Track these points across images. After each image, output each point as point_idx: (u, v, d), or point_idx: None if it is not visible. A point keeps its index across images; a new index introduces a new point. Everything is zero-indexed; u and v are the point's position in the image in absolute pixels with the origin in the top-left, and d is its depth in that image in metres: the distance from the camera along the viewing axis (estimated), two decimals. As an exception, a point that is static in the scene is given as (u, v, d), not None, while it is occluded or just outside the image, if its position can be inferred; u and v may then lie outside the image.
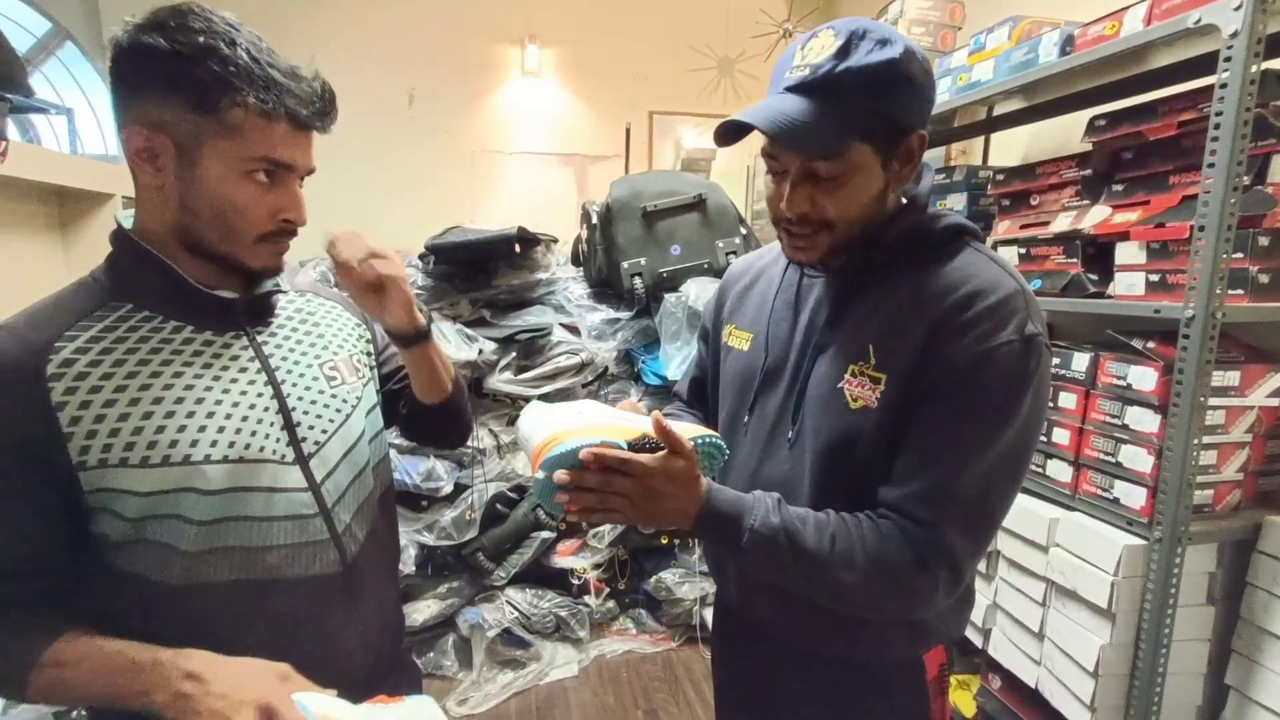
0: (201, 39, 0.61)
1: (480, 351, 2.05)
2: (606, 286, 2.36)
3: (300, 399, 0.74)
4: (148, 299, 0.68)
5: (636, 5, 3.70)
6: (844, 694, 0.80)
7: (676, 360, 2.08)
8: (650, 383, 2.22)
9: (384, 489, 0.85)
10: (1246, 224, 1.11)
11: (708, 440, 0.72)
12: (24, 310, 0.66)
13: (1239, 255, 1.10)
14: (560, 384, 2.13)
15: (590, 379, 2.20)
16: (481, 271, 2.24)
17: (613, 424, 0.68)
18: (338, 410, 0.77)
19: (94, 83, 3.31)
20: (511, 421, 2.18)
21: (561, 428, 0.67)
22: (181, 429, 0.64)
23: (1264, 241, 1.11)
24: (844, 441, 0.71)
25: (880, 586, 0.67)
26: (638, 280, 2.21)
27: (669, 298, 2.16)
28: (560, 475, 0.64)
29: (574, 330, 2.26)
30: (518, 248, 2.21)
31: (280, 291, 0.79)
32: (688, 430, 0.70)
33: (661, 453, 0.66)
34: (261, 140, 0.64)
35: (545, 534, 2.17)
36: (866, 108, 0.64)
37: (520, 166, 3.72)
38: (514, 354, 2.13)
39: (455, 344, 2.06)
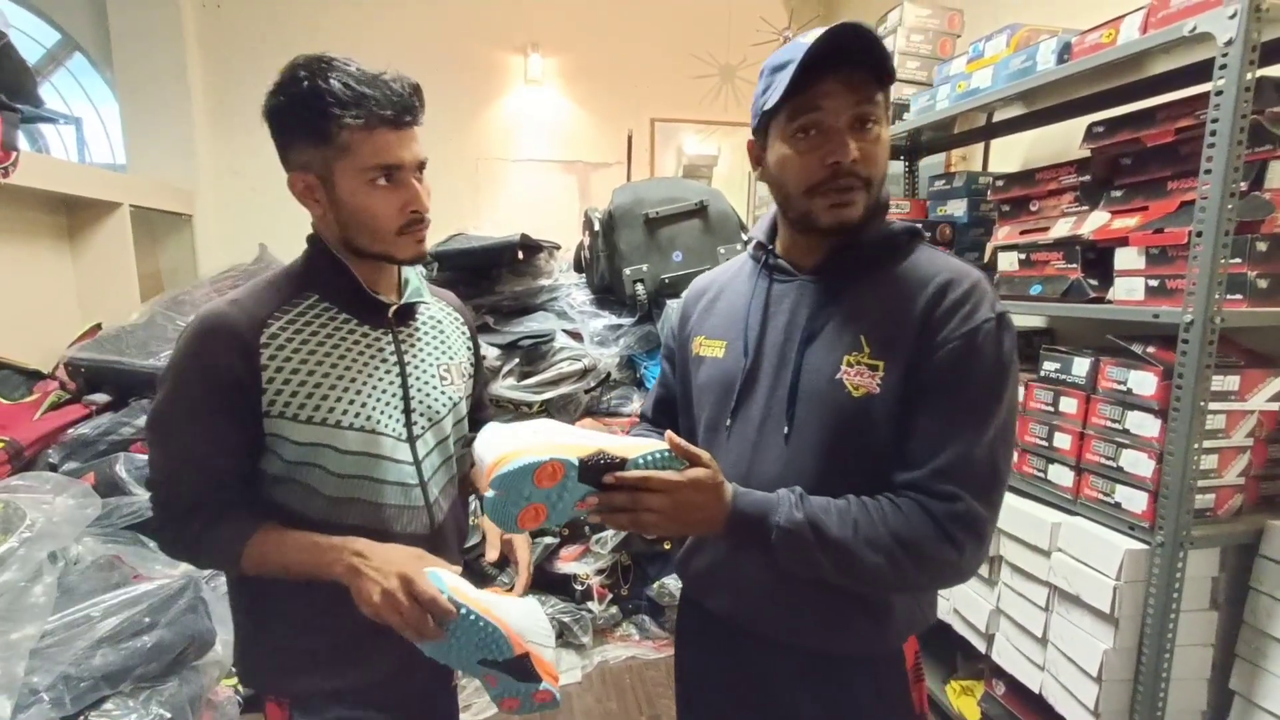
0: (306, 84, 0.75)
1: (483, 357, 2.06)
2: (609, 293, 2.37)
3: (419, 390, 0.90)
4: (329, 294, 0.85)
5: (638, 13, 3.73)
6: (827, 687, 0.81)
7: (679, 366, 2.09)
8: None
9: (462, 477, 1.00)
10: (1244, 229, 1.12)
11: (661, 455, 0.71)
12: (247, 288, 0.84)
13: (1237, 260, 1.11)
14: (563, 389, 2.14)
15: (593, 385, 2.20)
16: (485, 278, 2.26)
17: (566, 442, 0.69)
18: (443, 405, 0.93)
19: (102, 93, 3.35)
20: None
21: (511, 448, 0.69)
22: (337, 399, 0.81)
23: (1262, 247, 1.12)
24: (849, 430, 0.74)
25: (909, 564, 0.69)
26: (640, 286, 2.22)
27: (671, 303, 2.17)
28: (591, 500, 0.68)
29: (577, 336, 2.27)
30: (521, 254, 2.23)
31: (423, 301, 0.95)
32: (639, 446, 0.71)
33: (687, 469, 0.69)
34: (370, 151, 0.77)
35: (548, 539, 2.17)
36: (885, 65, 0.72)
37: (523, 174, 3.74)
38: (517, 360, 2.14)
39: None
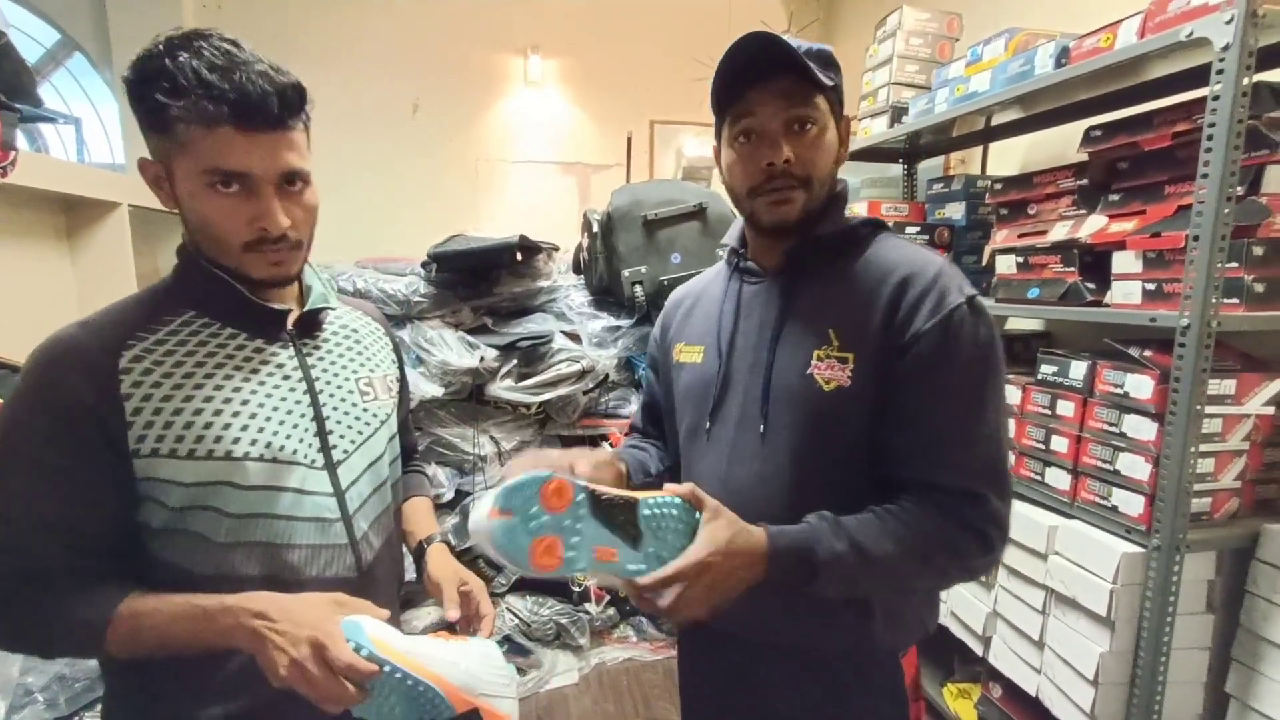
0: (153, 61, 0.64)
1: (482, 359, 2.06)
2: (607, 294, 2.37)
3: (335, 409, 0.78)
4: (208, 308, 0.73)
5: (638, 16, 3.74)
6: (824, 689, 0.81)
7: (677, 368, 2.09)
8: (651, 390, 2.23)
9: (398, 506, 0.88)
10: (1241, 234, 1.12)
11: (669, 501, 0.66)
12: (105, 309, 0.72)
13: (1234, 264, 1.11)
14: (561, 391, 2.13)
15: (591, 386, 2.20)
16: (484, 279, 2.26)
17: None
18: (366, 424, 0.81)
19: (102, 92, 3.35)
20: (513, 427, 2.19)
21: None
22: (226, 426, 0.69)
23: (1258, 251, 1.12)
24: (823, 425, 0.75)
25: (946, 565, 0.71)
26: (638, 288, 2.22)
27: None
28: (608, 551, 0.63)
29: (575, 338, 2.27)
30: (519, 256, 2.23)
31: (329, 308, 0.83)
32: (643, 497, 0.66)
33: (700, 534, 0.65)
34: (207, 150, 0.64)
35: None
36: (824, 74, 0.74)
37: (522, 175, 3.75)
38: (515, 361, 2.14)
39: (457, 351, 2.07)
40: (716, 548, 0.64)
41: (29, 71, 1.67)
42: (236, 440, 0.69)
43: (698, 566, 0.63)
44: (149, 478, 0.66)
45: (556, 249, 2.40)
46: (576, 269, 2.57)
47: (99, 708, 1.15)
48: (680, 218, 2.28)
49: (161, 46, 0.65)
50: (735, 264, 0.89)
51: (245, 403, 0.71)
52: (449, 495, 2.06)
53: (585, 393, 2.20)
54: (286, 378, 0.75)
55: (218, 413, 0.69)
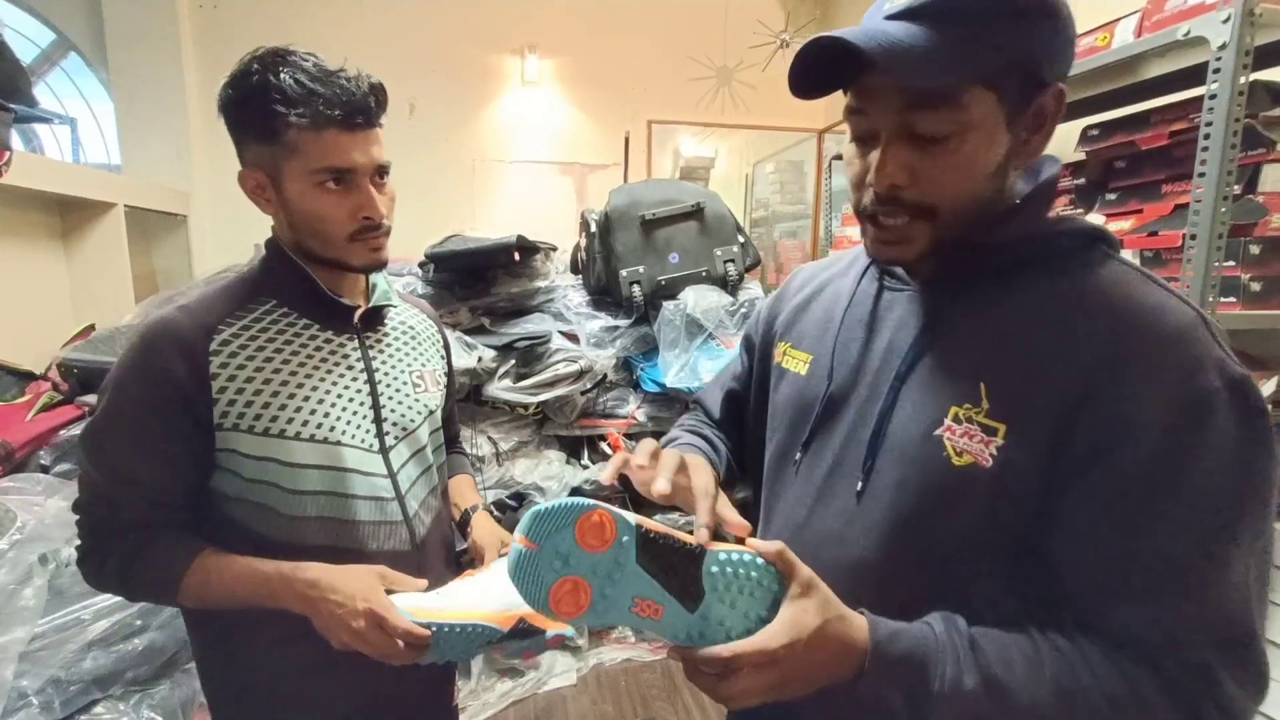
0: (256, 79, 0.72)
1: (479, 359, 2.05)
2: (605, 294, 2.37)
3: (390, 399, 0.85)
4: (288, 298, 0.81)
5: (635, 16, 3.74)
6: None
7: (675, 367, 2.08)
8: (649, 389, 2.23)
9: (444, 487, 0.96)
10: (1238, 232, 1.12)
11: (750, 561, 0.51)
12: (198, 295, 0.79)
13: (1231, 263, 1.11)
14: (559, 391, 2.13)
15: (589, 386, 2.20)
16: (481, 279, 2.25)
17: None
18: (417, 413, 0.88)
19: (97, 92, 3.34)
20: (511, 428, 2.19)
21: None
22: (298, 409, 0.76)
23: (1255, 250, 1.12)
24: (943, 506, 0.55)
25: None
26: (636, 288, 2.22)
27: (667, 305, 2.17)
28: (652, 606, 0.50)
29: (573, 338, 2.27)
30: (517, 256, 2.22)
31: (392, 305, 0.91)
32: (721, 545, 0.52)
33: (783, 612, 0.49)
34: (317, 151, 0.73)
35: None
36: (996, 43, 0.49)
37: (520, 175, 3.75)
38: (513, 361, 2.14)
39: (455, 351, 2.06)
40: (799, 635, 0.48)
41: (24, 72, 1.66)
42: (304, 423, 0.77)
43: (770, 655, 0.48)
44: (227, 449, 0.74)
45: (554, 249, 2.40)
46: (574, 269, 2.56)
47: (94, 710, 1.16)
48: (678, 217, 2.28)
49: (257, 65, 0.72)
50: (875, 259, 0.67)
51: (314, 389, 0.78)
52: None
53: (583, 393, 2.20)
54: (350, 368, 0.82)
55: (290, 396, 0.76)
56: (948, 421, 0.54)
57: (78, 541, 0.76)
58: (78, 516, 0.75)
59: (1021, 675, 0.49)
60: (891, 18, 0.51)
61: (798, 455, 0.67)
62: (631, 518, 0.51)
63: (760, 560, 0.51)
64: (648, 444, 0.65)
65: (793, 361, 0.72)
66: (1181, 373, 0.47)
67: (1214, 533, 0.47)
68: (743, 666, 0.48)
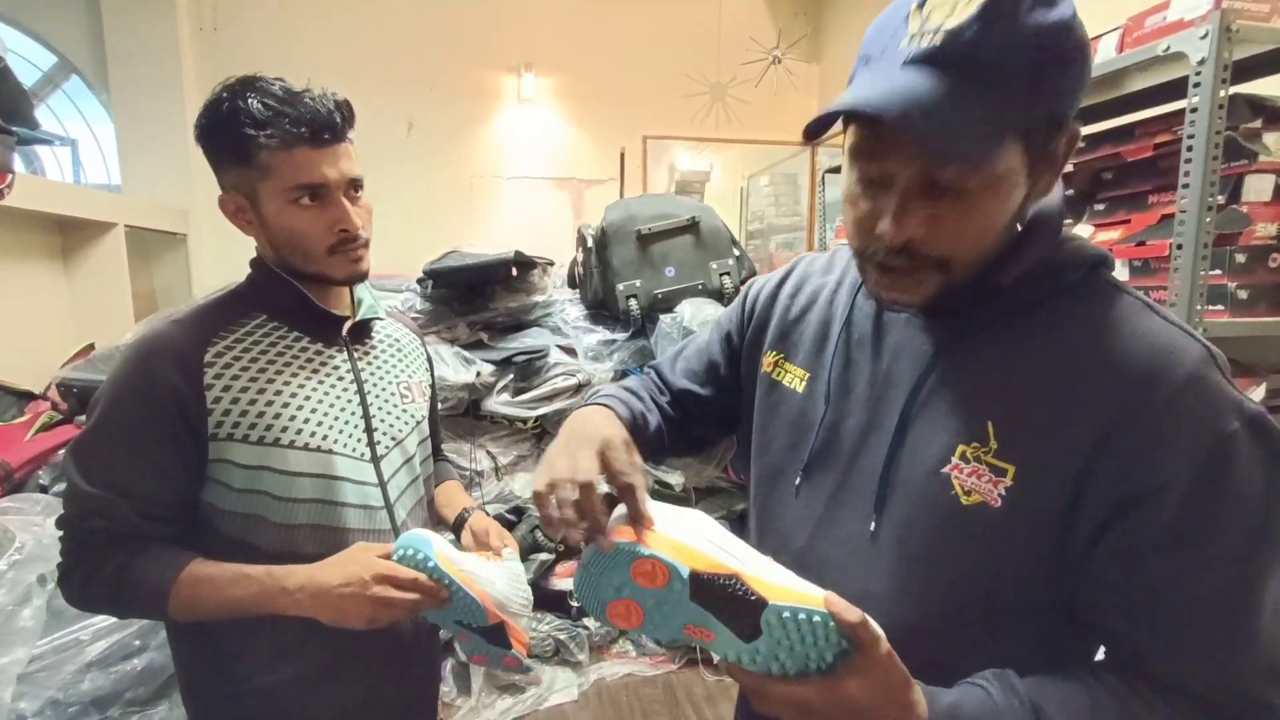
0: (225, 105, 0.74)
1: (478, 374, 2.06)
2: (602, 308, 2.38)
3: (380, 408, 0.87)
4: (277, 312, 0.83)
5: (629, 33, 3.79)
6: None
7: (673, 380, 2.09)
8: (647, 403, 2.23)
9: (430, 498, 0.99)
10: (1223, 241, 1.14)
11: (818, 620, 0.47)
12: (192, 309, 0.81)
13: (1217, 272, 1.13)
14: (557, 405, 2.14)
15: (587, 400, 2.21)
16: (479, 295, 2.27)
17: (694, 545, 0.52)
18: (405, 423, 0.90)
19: (98, 114, 3.38)
20: (510, 442, 2.19)
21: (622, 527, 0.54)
22: (291, 419, 0.78)
23: (1240, 258, 1.14)
24: (945, 546, 0.54)
25: None
26: (633, 302, 2.24)
27: (664, 319, 2.18)
28: (708, 634, 0.50)
29: (571, 352, 2.28)
30: (515, 271, 2.24)
31: (378, 318, 0.93)
32: (787, 588, 0.49)
33: (836, 664, 0.47)
34: (289, 170, 0.75)
35: (544, 556, 2.16)
36: (1030, 94, 0.45)
37: (517, 191, 3.78)
38: (511, 376, 2.14)
39: (453, 367, 2.07)
40: (863, 699, 0.46)
41: (26, 96, 1.68)
42: (298, 431, 0.78)
43: (833, 703, 0.46)
44: (220, 459, 0.75)
45: (551, 264, 2.41)
46: (571, 283, 2.58)
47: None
48: (673, 231, 2.30)
49: (226, 93, 0.75)
50: None
51: (307, 399, 0.80)
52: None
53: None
54: (340, 379, 0.84)
55: (284, 405, 0.78)
56: (955, 460, 0.53)
57: (59, 559, 0.74)
58: (61, 532, 0.74)
59: None
60: (912, 62, 0.46)
61: (797, 479, 0.65)
62: (684, 568, 0.50)
63: (830, 621, 0.47)
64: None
65: (788, 376, 0.70)
66: (1200, 418, 0.46)
67: (1252, 574, 0.47)
68: (803, 706, 0.47)
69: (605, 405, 0.73)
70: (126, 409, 0.73)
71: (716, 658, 0.53)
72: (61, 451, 1.76)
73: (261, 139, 0.73)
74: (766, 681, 0.48)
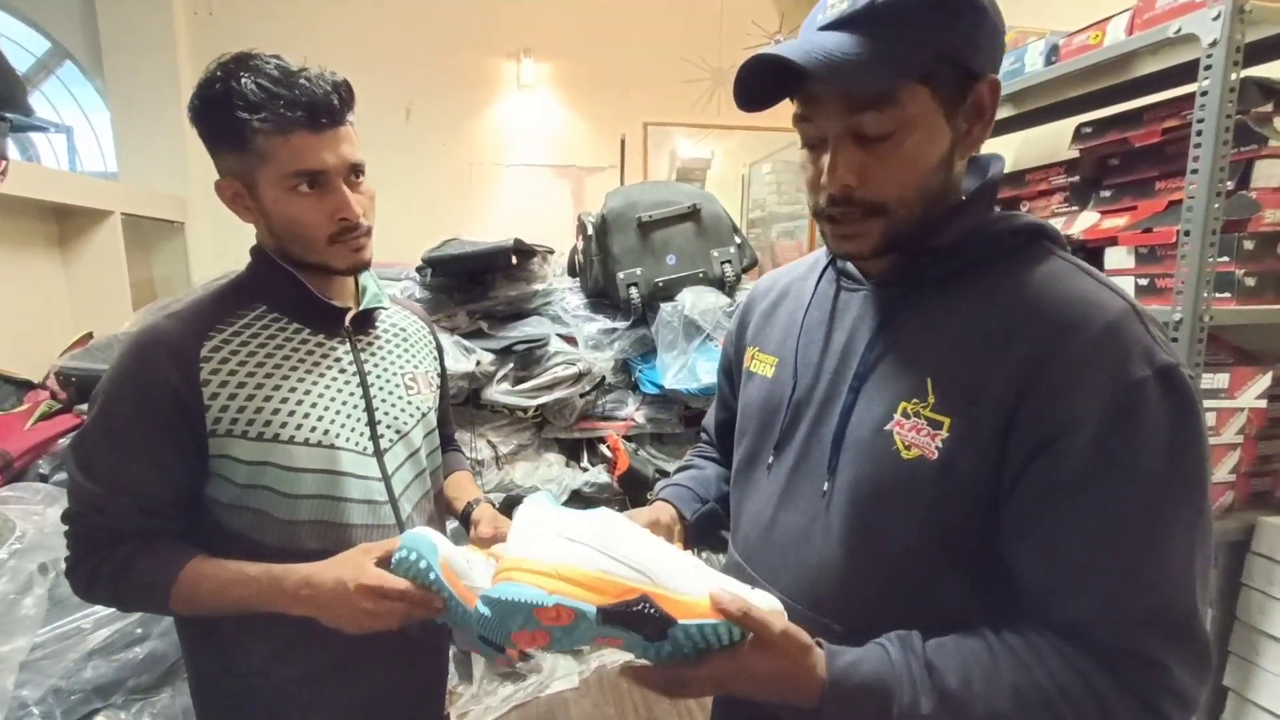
0: (218, 85, 0.70)
1: (478, 363, 2.06)
2: (603, 297, 2.37)
3: (384, 401, 0.85)
4: (278, 304, 0.80)
5: (630, 19, 3.75)
6: None
7: (673, 369, 2.08)
8: (648, 391, 2.23)
9: (436, 491, 0.96)
10: (1231, 228, 1.13)
11: (720, 630, 0.51)
12: (189, 302, 0.79)
13: (1224, 259, 1.12)
14: (558, 394, 2.13)
15: (588, 389, 2.20)
16: (479, 283, 2.25)
17: (604, 568, 0.53)
18: (410, 416, 0.88)
19: (93, 101, 3.34)
20: (510, 431, 2.19)
21: (528, 556, 0.54)
22: (290, 414, 0.76)
23: (1249, 245, 1.13)
24: (889, 500, 0.57)
25: None
26: (634, 290, 2.22)
27: (665, 307, 2.17)
28: (618, 641, 0.53)
29: (571, 340, 2.27)
30: (514, 259, 2.23)
31: (383, 307, 0.90)
32: (693, 599, 0.52)
33: (737, 646, 0.51)
34: (287, 156, 0.72)
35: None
36: (924, 39, 0.52)
37: (516, 179, 3.75)
38: (512, 365, 2.14)
39: (453, 355, 2.06)
40: (765, 670, 0.51)
41: (20, 81, 1.66)
42: (299, 426, 0.76)
43: (741, 676, 0.51)
44: (220, 455, 0.74)
45: (551, 252, 2.40)
46: (572, 272, 2.57)
47: (100, 717, 1.15)
48: (674, 219, 2.29)
49: (220, 72, 0.71)
50: (832, 259, 0.70)
51: (307, 393, 0.78)
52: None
53: (582, 395, 2.20)
54: (343, 371, 0.82)
55: (284, 400, 0.76)
56: (897, 416, 0.57)
57: (66, 552, 0.75)
58: (66, 527, 0.74)
59: (980, 689, 0.50)
60: (825, 29, 0.54)
61: (770, 459, 0.68)
62: (592, 607, 0.51)
63: (722, 626, 0.51)
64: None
65: (760, 365, 0.74)
66: (1111, 364, 0.49)
67: (1150, 521, 0.49)
68: (688, 682, 0.51)
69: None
70: (123, 406, 0.72)
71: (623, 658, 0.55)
72: (61, 440, 1.76)
73: (255, 123, 0.69)
74: (679, 670, 0.52)
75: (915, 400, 0.56)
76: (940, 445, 0.54)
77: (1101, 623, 0.50)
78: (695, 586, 0.52)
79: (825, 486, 0.61)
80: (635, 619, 0.51)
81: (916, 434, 0.55)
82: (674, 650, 0.52)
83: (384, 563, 0.71)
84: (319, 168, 0.73)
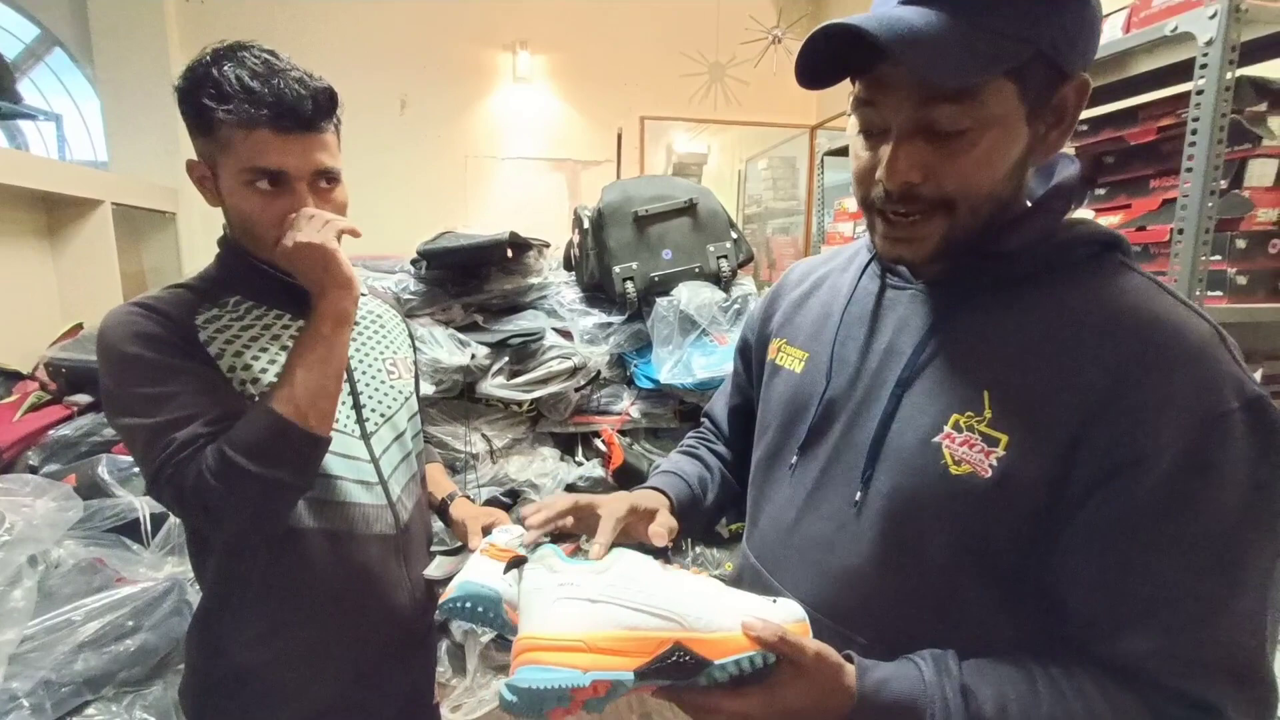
0: (200, 70, 0.71)
1: (473, 356, 2.05)
2: (598, 291, 2.37)
3: (367, 384, 0.86)
4: (253, 293, 0.80)
5: (627, 12, 3.73)
6: None
7: (669, 364, 2.08)
8: (643, 386, 2.23)
9: (422, 474, 0.97)
10: (1224, 227, 1.13)
11: (757, 661, 0.49)
12: (159, 294, 0.76)
13: (1217, 257, 1.12)
14: (553, 388, 2.13)
15: (583, 383, 2.20)
16: (474, 276, 2.24)
17: (634, 623, 0.50)
18: (394, 400, 0.89)
19: (83, 88, 3.30)
20: (505, 425, 2.18)
21: (551, 630, 0.50)
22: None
23: (1241, 244, 1.14)
24: (928, 515, 0.53)
25: None
26: (629, 284, 2.22)
27: (661, 301, 2.17)
28: (654, 688, 0.50)
29: (566, 334, 2.27)
30: (510, 253, 2.22)
31: (361, 294, 0.87)
32: (729, 636, 0.49)
33: (771, 667, 0.48)
34: (246, 151, 0.71)
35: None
36: (1022, 30, 0.46)
37: (512, 172, 3.74)
38: (506, 358, 2.13)
39: (448, 349, 2.06)
40: (799, 701, 0.48)
41: (7, 68, 1.64)
42: None
43: (773, 711, 0.48)
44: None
45: (547, 245, 2.39)
46: (567, 265, 2.56)
47: (86, 712, 1.15)
48: (671, 214, 2.28)
49: (208, 57, 0.71)
50: (877, 254, 0.64)
51: None
52: (441, 494, 2.06)
53: (577, 390, 2.20)
54: None
55: (271, 384, 0.75)
56: (947, 429, 0.52)
57: (172, 486, 0.67)
58: (145, 467, 0.68)
59: (1016, 715, 0.48)
60: (906, 2, 0.47)
61: (794, 459, 0.65)
62: (628, 674, 0.48)
63: (758, 657, 0.49)
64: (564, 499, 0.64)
65: (787, 358, 0.70)
66: (1196, 394, 0.45)
67: (1226, 559, 0.46)
68: (732, 700, 0.49)
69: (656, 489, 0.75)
70: (135, 347, 0.69)
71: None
72: (51, 431, 1.74)
73: (221, 113, 0.69)
74: (709, 696, 0.49)
75: (970, 413, 0.52)
76: (995, 464, 0.50)
77: (1160, 662, 0.46)
78: (724, 619, 0.50)
79: (858, 495, 0.57)
80: (672, 670, 0.49)
81: (969, 449, 0.51)
82: (708, 684, 0.50)
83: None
84: (277, 168, 0.72)
